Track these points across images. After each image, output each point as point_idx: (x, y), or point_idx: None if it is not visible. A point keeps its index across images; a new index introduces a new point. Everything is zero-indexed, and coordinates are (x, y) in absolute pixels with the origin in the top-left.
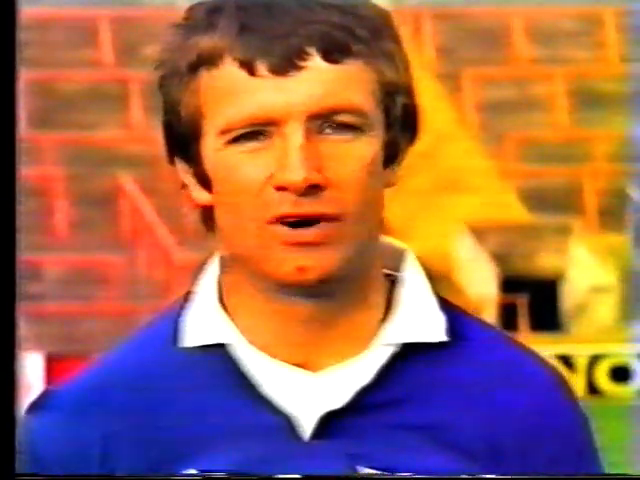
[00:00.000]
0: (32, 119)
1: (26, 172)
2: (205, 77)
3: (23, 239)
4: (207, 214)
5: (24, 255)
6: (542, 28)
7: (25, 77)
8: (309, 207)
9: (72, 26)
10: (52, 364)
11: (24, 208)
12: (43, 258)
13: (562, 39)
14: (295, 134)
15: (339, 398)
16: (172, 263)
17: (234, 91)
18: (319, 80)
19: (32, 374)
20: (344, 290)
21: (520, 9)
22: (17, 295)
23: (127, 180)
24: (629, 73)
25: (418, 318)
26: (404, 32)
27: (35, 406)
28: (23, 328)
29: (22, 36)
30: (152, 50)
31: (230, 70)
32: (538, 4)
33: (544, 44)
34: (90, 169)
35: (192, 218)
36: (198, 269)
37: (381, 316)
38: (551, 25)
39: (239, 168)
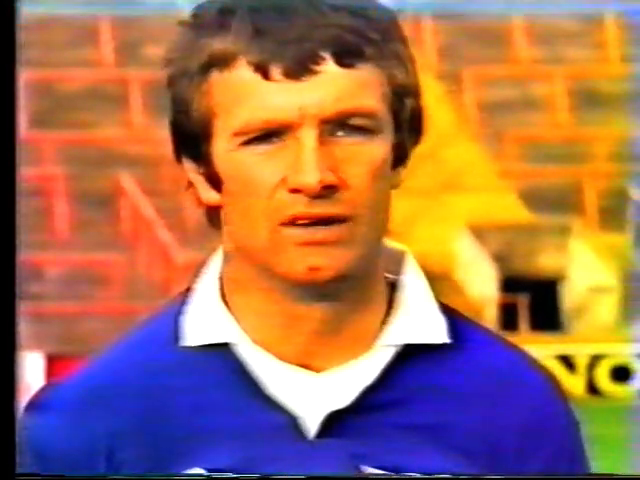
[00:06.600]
0: (32, 119)
1: (26, 172)
2: (216, 78)
3: (23, 239)
4: (213, 212)
5: (24, 255)
6: (543, 28)
7: (25, 77)
8: (322, 208)
9: (72, 26)
10: (52, 364)
11: (24, 208)
12: (43, 258)
13: (562, 39)
14: (308, 138)
15: (343, 398)
16: (172, 263)
17: (248, 94)
18: (332, 84)
19: (32, 374)
20: (350, 291)
21: (521, 9)
22: (17, 295)
23: (127, 180)
24: (629, 73)
25: (420, 320)
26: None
27: (36, 405)
28: (23, 328)
29: (22, 36)
30: (160, 49)
31: (243, 73)
32: (539, 4)
33: (545, 44)
34: (90, 169)
35: (196, 215)
36: (200, 266)
37: (383, 317)
38: (552, 25)
39: (252, 170)
